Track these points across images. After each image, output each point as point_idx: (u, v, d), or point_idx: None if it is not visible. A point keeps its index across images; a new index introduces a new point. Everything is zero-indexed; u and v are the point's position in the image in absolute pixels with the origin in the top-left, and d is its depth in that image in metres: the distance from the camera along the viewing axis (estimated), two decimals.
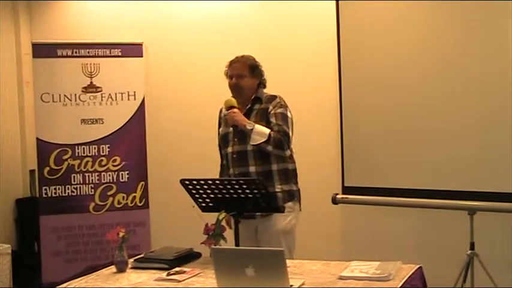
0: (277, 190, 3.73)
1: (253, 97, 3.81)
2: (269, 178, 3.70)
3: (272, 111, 3.72)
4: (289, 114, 3.76)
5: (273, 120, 3.69)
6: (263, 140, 3.61)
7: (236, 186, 3.30)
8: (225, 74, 3.90)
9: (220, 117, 3.96)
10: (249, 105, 3.78)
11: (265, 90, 3.90)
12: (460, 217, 4.12)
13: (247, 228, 3.67)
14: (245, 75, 3.81)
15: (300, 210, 3.89)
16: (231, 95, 3.87)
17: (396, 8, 4.41)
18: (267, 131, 3.63)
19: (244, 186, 3.29)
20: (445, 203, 4.18)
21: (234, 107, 3.70)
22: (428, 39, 4.27)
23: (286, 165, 3.79)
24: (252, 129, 3.62)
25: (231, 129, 3.78)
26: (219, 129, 3.95)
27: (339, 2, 4.70)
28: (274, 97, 3.81)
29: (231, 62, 3.87)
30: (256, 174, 3.70)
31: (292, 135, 3.74)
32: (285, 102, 3.81)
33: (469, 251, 4.07)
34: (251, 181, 3.35)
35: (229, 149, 3.80)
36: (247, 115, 3.75)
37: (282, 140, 3.65)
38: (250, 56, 3.89)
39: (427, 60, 4.29)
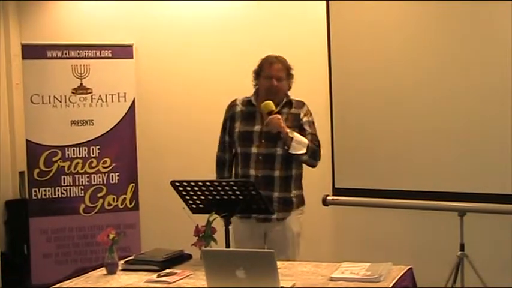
0: (292, 195, 3.78)
1: (284, 101, 3.77)
2: (288, 183, 3.74)
3: (305, 119, 3.74)
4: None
5: (307, 128, 3.71)
6: (303, 151, 3.61)
7: (227, 188, 3.30)
8: (255, 72, 3.83)
9: (234, 112, 3.85)
10: (279, 108, 3.72)
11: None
12: (450, 218, 4.14)
13: (258, 230, 3.72)
14: (284, 77, 3.76)
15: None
16: (240, 96, 3.87)
17: (387, 8, 4.42)
18: (306, 141, 3.63)
19: (235, 188, 3.29)
20: (435, 204, 4.19)
21: (272, 112, 3.62)
22: (419, 39, 4.29)
23: (300, 170, 3.82)
24: (293, 138, 3.58)
25: (256, 128, 3.73)
26: (230, 123, 3.85)
27: (329, 2, 4.70)
28: (302, 103, 3.82)
29: (270, 62, 3.76)
30: (279, 179, 3.71)
31: None
32: (309, 109, 3.83)
33: (459, 252, 4.09)
34: (242, 183, 3.34)
35: (254, 150, 3.73)
36: None
37: (316, 150, 3.69)
38: (285, 59, 3.83)
39: (418, 61, 4.30)
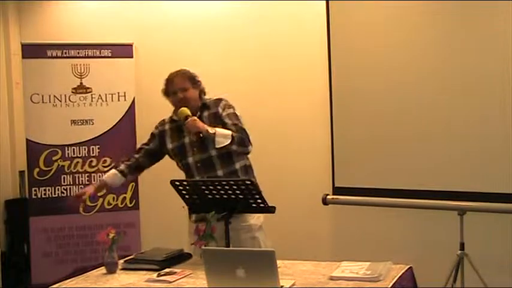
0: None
1: (200, 105, 3.83)
2: (235, 177, 3.71)
3: (224, 113, 3.77)
4: (238, 112, 3.83)
5: (228, 121, 3.73)
6: (228, 142, 3.63)
7: (227, 187, 3.30)
8: (164, 93, 3.91)
9: (164, 130, 3.92)
10: (198, 114, 3.78)
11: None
12: (450, 217, 4.14)
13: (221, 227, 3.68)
14: (188, 87, 3.83)
15: None
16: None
17: (387, 7, 4.42)
18: (229, 132, 3.66)
19: (235, 187, 3.29)
20: (435, 204, 4.19)
21: (188, 116, 3.68)
22: (419, 39, 4.29)
23: (245, 161, 3.82)
24: (215, 133, 3.62)
25: (186, 140, 3.78)
26: (161, 139, 3.90)
27: (329, 2, 4.70)
28: (219, 100, 3.87)
29: (169, 80, 3.87)
30: (224, 176, 3.71)
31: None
32: (229, 102, 3.87)
33: (459, 251, 4.09)
34: (242, 182, 3.35)
35: (190, 159, 3.76)
36: None
37: (243, 137, 3.68)
38: (186, 69, 3.92)
39: (417, 61, 4.30)
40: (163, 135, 3.90)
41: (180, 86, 3.82)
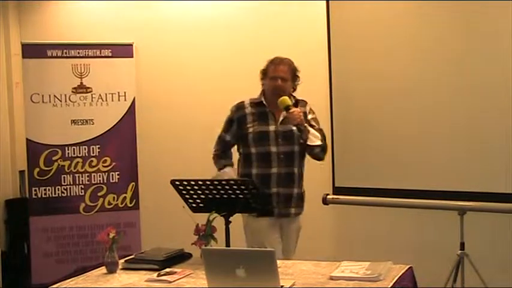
0: (303, 191, 3.97)
1: (293, 101, 3.86)
2: (301, 179, 3.91)
3: (310, 116, 3.89)
4: None
5: (315, 124, 3.85)
6: (318, 143, 3.74)
7: (227, 187, 3.30)
8: (262, 73, 3.92)
9: (245, 114, 3.90)
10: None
11: None
12: (450, 217, 4.14)
13: (273, 225, 3.83)
14: (288, 78, 3.85)
15: None
16: (246, 99, 3.95)
17: (387, 7, 4.41)
18: (318, 135, 3.77)
19: (235, 187, 3.29)
20: (435, 203, 4.19)
21: (290, 106, 3.72)
22: (419, 39, 4.29)
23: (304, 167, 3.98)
24: (309, 131, 3.72)
25: (271, 127, 3.82)
26: (240, 124, 3.90)
27: (329, 2, 4.70)
28: (305, 102, 3.95)
29: (276, 64, 3.87)
30: (297, 175, 3.87)
31: None
32: None
33: (459, 251, 4.09)
34: (242, 182, 3.35)
35: (274, 149, 3.82)
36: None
37: (326, 143, 3.86)
38: (291, 61, 3.93)
39: (417, 61, 4.30)
40: (243, 120, 3.90)
41: (283, 74, 3.84)
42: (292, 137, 3.79)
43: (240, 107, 3.94)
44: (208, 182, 3.36)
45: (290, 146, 3.81)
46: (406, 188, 4.31)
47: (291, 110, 3.69)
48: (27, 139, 5.36)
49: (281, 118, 3.86)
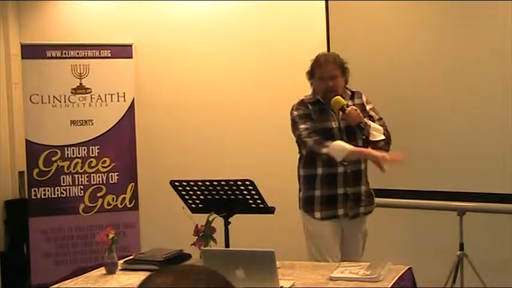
0: (370, 188, 3.84)
1: (350, 93, 3.76)
2: (366, 176, 3.78)
3: (369, 107, 3.75)
4: None
5: (375, 114, 3.71)
6: (382, 137, 3.60)
7: (226, 188, 3.30)
8: (309, 74, 3.77)
9: (309, 113, 3.71)
10: (349, 102, 3.71)
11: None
12: (450, 218, 4.14)
13: (336, 227, 3.74)
14: (338, 75, 3.70)
15: None
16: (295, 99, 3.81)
17: (387, 8, 4.42)
18: (381, 128, 3.63)
19: (234, 188, 3.29)
20: (435, 204, 4.20)
21: (344, 106, 3.60)
22: (419, 39, 4.29)
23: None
24: (370, 125, 3.59)
25: (333, 124, 3.66)
26: (308, 122, 3.69)
27: (329, 2, 4.70)
28: (360, 93, 3.82)
29: (321, 63, 3.70)
30: (364, 171, 3.76)
31: None
32: None
33: (459, 252, 4.09)
34: (242, 182, 3.35)
35: None
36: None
37: (389, 135, 3.70)
38: (336, 55, 3.81)
39: (417, 61, 4.30)
40: (310, 117, 3.72)
41: (331, 73, 3.69)
42: (355, 132, 3.63)
43: (303, 104, 3.76)
44: (207, 183, 3.36)
45: (354, 141, 3.63)
46: (406, 188, 4.31)
47: (346, 111, 3.57)
48: (26, 140, 5.35)
49: (341, 113, 3.69)
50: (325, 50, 4.75)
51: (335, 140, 3.58)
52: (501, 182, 3.94)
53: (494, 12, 3.97)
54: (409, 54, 4.33)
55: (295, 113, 3.72)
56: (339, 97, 3.61)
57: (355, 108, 3.59)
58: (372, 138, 3.57)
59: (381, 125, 3.67)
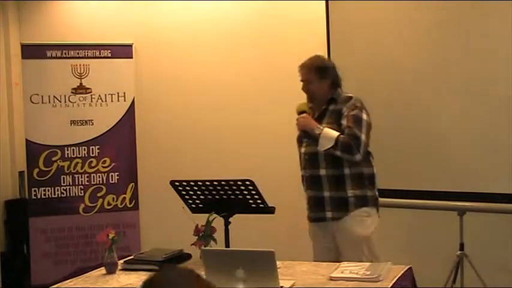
0: (349, 195, 3.64)
1: (329, 98, 3.73)
2: (341, 182, 3.63)
3: (345, 113, 3.63)
4: (364, 116, 3.64)
5: (344, 122, 3.60)
6: (330, 145, 3.54)
7: (226, 188, 3.30)
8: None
9: None
10: (324, 107, 3.71)
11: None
12: (450, 218, 4.14)
13: (324, 230, 3.73)
14: (312, 79, 3.72)
15: (379, 217, 3.80)
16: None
17: (387, 8, 4.42)
18: (335, 135, 3.54)
19: (234, 188, 3.29)
20: (435, 204, 4.20)
21: (304, 112, 3.66)
22: (419, 39, 4.29)
23: (361, 169, 3.66)
24: (319, 133, 3.56)
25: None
26: None
27: (329, 2, 4.70)
28: (350, 98, 3.72)
29: (299, 67, 3.79)
30: (327, 177, 3.63)
31: (366, 138, 3.61)
32: (361, 103, 3.70)
33: (459, 252, 4.09)
34: (242, 182, 3.35)
35: (302, 150, 3.76)
36: (321, 116, 3.69)
37: (350, 144, 3.53)
38: (317, 58, 3.82)
39: (417, 61, 4.30)
40: None
41: (304, 77, 3.75)
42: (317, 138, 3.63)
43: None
44: (207, 183, 3.36)
45: (315, 147, 3.63)
46: (406, 188, 4.31)
47: (297, 117, 3.66)
48: (26, 140, 5.35)
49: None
50: (325, 50, 4.75)
51: (302, 144, 3.76)
52: (501, 181, 3.94)
53: (494, 12, 3.97)
54: (409, 54, 4.33)
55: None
56: (300, 104, 3.71)
57: (304, 116, 3.65)
58: (319, 148, 3.59)
59: (347, 134, 3.56)
